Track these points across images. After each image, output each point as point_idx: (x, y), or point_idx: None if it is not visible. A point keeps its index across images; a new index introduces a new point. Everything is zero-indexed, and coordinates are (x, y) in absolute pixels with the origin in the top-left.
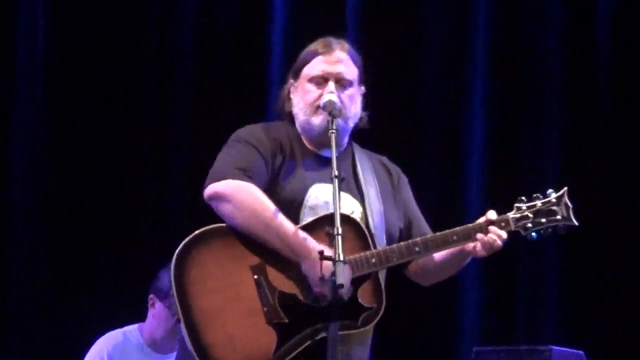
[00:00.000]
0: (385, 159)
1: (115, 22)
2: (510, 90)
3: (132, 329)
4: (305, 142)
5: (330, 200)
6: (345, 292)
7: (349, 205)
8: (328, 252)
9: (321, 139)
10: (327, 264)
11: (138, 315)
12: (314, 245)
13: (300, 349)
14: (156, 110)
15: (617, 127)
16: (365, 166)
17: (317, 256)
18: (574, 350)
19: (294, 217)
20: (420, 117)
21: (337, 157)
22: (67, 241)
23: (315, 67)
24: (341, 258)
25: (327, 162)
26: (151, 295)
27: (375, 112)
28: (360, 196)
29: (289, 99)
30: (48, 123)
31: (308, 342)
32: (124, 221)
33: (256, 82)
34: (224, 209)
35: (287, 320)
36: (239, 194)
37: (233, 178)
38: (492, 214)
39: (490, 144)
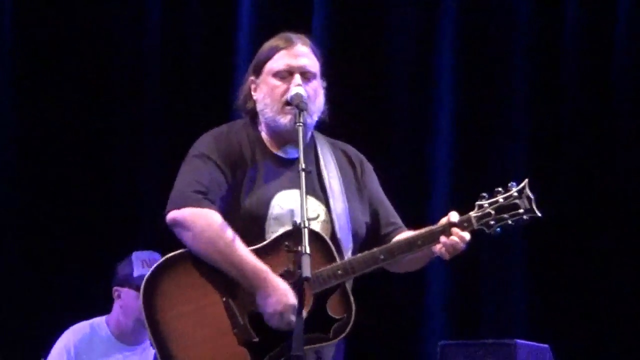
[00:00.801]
0: (348, 148)
1: (84, 22)
2: (478, 83)
3: (99, 320)
4: (266, 143)
5: (295, 207)
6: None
7: (314, 210)
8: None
9: (287, 135)
10: (284, 294)
11: (104, 308)
12: (269, 276)
13: None
14: (126, 107)
15: (584, 122)
16: (329, 160)
17: (271, 288)
18: (539, 344)
19: (259, 231)
20: (386, 112)
21: (293, 158)
22: (33, 234)
23: (278, 61)
24: (307, 251)
25: (289, 164)
26: (115, 288)
27: (342, 107)
28: (324, 197)
29: (251, 96)
30: (16, 121)
31: (283, 359)
32: (90, 216)
33: (223, 80)
34: (184, 237)
35: (258, 339)
36: (196, 223)
37: (192, 205)
38: (454, 216)
39: (457, 138)
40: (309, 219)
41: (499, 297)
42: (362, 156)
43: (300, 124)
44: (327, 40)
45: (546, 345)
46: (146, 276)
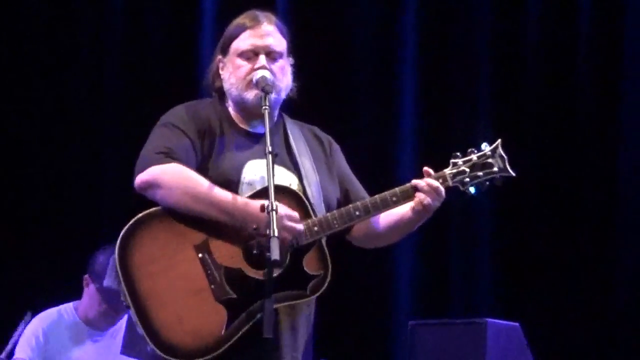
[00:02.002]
0: (316, 129)
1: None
2: (441, 47)
3: (67, 306)
4: (235, 119)
5: (266, 174)
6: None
7: (286, 179)
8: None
9: (254, 113)
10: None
11: (74, 293)
12: (253, 204)
13: (250, 323)
14: (90, 90)
15: (546, 89)
16: (298, 138)
17: (258, 212)
18: (510, 322)
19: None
20: (351, 81)
21: (260, 132)
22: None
23: (244, 41)
24: (275, 234)
25: (258, 138)
26: (86, 276)
27: (307, 77)
28: (295, 169)
29: (218, 75)
30: None
31: (258, 316)
32: (58, 202)
33: (187, 65)
34: (155, 195)
35: (235, 296)
36: (164, 177)
37: (155, 163)
38: (429, 170)
39: (422, 104)
40: (280, 187)
41: (467, 276)
42: (329, 137)
43: (266, 107)
44: (290, 16)
45: (516, 324)
46: (121, 234)
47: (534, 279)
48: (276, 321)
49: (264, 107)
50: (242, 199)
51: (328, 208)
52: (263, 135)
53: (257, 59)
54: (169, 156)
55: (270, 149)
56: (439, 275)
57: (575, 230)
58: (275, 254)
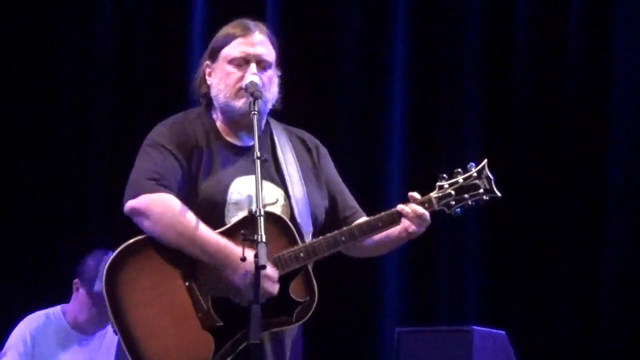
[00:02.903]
0: (304, 133)
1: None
2: (430, 65)
3: (54, 310)
4: (221, 131)
5: (253, 192)
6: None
7: (272, 194)
8: (248, 253)
9: (241, 121)
10: (248, 263)
11: (62, 297)
12: (232, 249)
13: (237, 351)
14: (75, 95)
15: (535, 105)
16: (285, 146)
17: (237, 260)
18: (496, 330)
19: (219, 216)
20: (340, 97)
21: (247, 145)
22: None
23: (235, 48)
24: (263, 239)
25: (244, 151)
26: (76, 280)
27: (296, 90)
28: (282, 183)
29: (205, 81)
30: None
31: (245, 343)
32: (46, 205)
33: (177, 72)
34: (143, 224)
35: (222, 324)
36: (154, 208)
37: (147, 191)
38: (415, 195)
39: (410, 121)
40: (267, 204)
41: (454, 283)
42: (317, 141)
43: (255, 112)
44: (279, 22)
45: (502, 331)
46: (107, 264)
47: (520, 286)
48: (261, 350)
49: (252, 112)
50: (224, 243)
51: (315, 221)
52: (250, 148)
53: (247, 67)
54: (160, 184)
55: (258, 154)
56: (425, 282)
57: (562, 239)
58: (263, 260)
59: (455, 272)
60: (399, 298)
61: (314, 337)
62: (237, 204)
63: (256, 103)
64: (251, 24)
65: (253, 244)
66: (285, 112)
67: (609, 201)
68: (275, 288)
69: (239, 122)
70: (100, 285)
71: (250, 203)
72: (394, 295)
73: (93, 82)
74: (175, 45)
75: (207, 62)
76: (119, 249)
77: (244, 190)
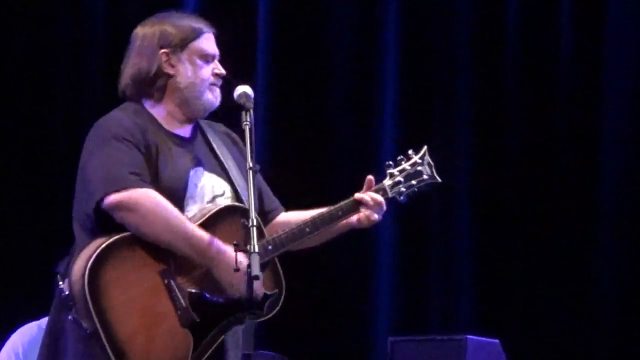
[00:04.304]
0: (225, 128)
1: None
2: (422, 68)
3: (46, 320)
4: (162, 122)
5: (205, 184)
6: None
7: (219, 187)
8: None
9: (196, 114)
10: (239, 261)
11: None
12: (222, 247)
13: (215, 345)
14: (66, 100)
15: (527, 103)
16: (216, 140)
17: (227, 258)
18: (489, 339)
19: (179, 208)
20: (330, 100)
21: (193, 137)
22: None
23: (206, 44)
24: (255, 250)
25: (188, 142)
26: None
27: (286, 91)
28: (225, 175)
29: (163, 70)
30: None
31: (221, 337)
32: (36, 214)
33: None
34: (130, 218)
35: (198, 320)
36: (145, 203)
37: (133, 186)
38: (370, 182)
39: (401, 121)
40: (216, 196)
41: (447, 292)
42: (236, 135)
43: (247, 122)
44: (270, 28)
45: (496, 340)
46: (88, 266)
47: (514, 295)
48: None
49: (244, 123)
50: (213, 239)
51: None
52: (191, 139)
53: (212, 62)
54: (142, 179)
55: (251, 165)
56: (419, 291)
57: (556, 247)
58: (256, 270)
59: (449, 280)
60: (392, 307)
61: (308, 346)
62: (193, 198)
63: (248, 114)
64: (204, 21)
65: (246, 252)
66: (277, 114)
67: (605, 209)
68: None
69: (191, 114)
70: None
71: (203, 196)
72: (387, 303)
73: (85, 90)
74: None
75: (165, 50)
76: (98, 249)
77: (197, 182)
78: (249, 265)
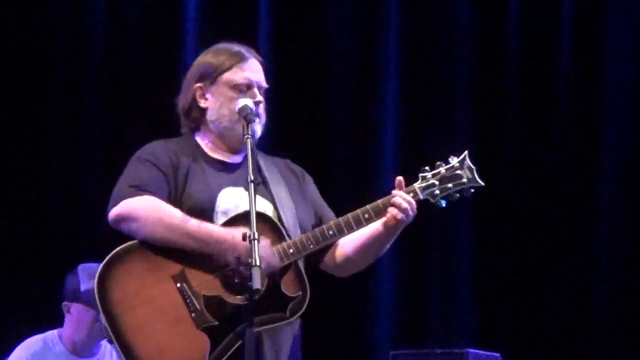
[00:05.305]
0: (288, 161)
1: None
2: (422, 74)
3: (51, 334)
4: (208, 150)
5: (241, 203)
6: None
7: (261, 206)
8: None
9: (234, 145)
10: (245, 245)
11: (55, 322)
12: (224, 230)
13: (233, 349)
14: (66, 111)
15: (526, 110)
16: (271, 168)
17: (230, 240)
18: (490, 353)
19: (207, 222)
20: (330, 111)
21: (243, 163)
22: None
23: (238, 74)
24: (257, 263)
25: (232, 167)
26: (64, 302)
27: (288, 100)
28: (270, 197)
29: (198, 104)
30: None
31: (240, 341)
32: (36, 227)
33: (167, 84)
34: (130, 228)
35: (216, 323)
36: (138, 209)
37: (128, 196)
38: (402, 181)
39: (403, 129)
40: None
41: (448, 305)
42: (302, 169)
43: (249, 135)
44: (272, 39)
45: (497, 354)
46: (98, 270)
47: (515, 308)
48: (258, 341)
49: (246, 136)
50: (219, 228)
51: (304, 232)
52: (238, 165)
53: (249, 92)
54: (141, 189)
55: (252, 178)
56: (419, 305)
57: (557, 260)
58: (257, 284)
59: (449, 294)
60: (392, 320)
61: None
62: (226, 213)
63: (249, 127)
64: (243, 49)
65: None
66: (277, 126)
67: (605, 220)
68: (275, 259)
69: (233, 145)
70: (85, 285)
71: (238, 211)
72: (387, 317)
73: (85, 99)
74: (166, 67)
75: (199, 84)
76: (109, 256)
77: (232, 200)
78: (250, 277)
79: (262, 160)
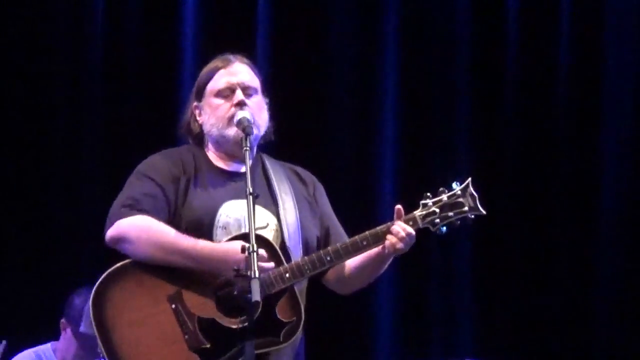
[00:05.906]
0: (298, 168)
1: (24, 34)
2: (422, 85)
3: (44, 348)
4: (211, 158)
5: (242, 216)
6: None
7: (263, 219)
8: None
9: (233, 153)
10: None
11: (52, 333)
12: (217, 246)
13: None
14: (65, 121)
15: (525, 125)
16: (279, 175)
17: (229, 253)
18: None
19: (207, 239)
20: (330, 118)
21: (242, 172)
22: None
23: (218, 81)
24: (256, 275)
25: (235, 176)
26: (62, 320)
27: (285, 111)
28: (274, 207)
29: (195, 120)
30: None
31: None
32: (36, 237)
33: (167, 96)
34: (125, 249)
35: (209, 345)
36: (131, 231)
37: (121, 217)
38: (401, 210)
39: (402, 142)
40: (258, 228)
41: (448, 316)
42: (313, 177)
43: (247, 148)
44: (270, 47)
45: None
46: (94, 288)
47: (515, 319)
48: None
49: (244, 148)
50: (215, 244)
51: (306, 246)
52: (241, 174)
53: (233, 96)
54: (134, 208)
55: (250, 190)
56: (419, 315)
57: (556, 271)
58: (256, 296)
59: (449, 304)
60: (392, 332)
61: None
62: (226, 228)
63: (248, 139)
64: (230, 55)
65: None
66: (278, 135)
67: (604, 231)
68: (270, 264)
69: (231, 151)
70: (86, 327)
71: (239, 227)
72: (387, 328)
73: (83, 106)
74: (165, 79)
75: (195, 103)
76: (104, 275)
77: (232, 213)
78: (249, 290)
79: (271, 167)
